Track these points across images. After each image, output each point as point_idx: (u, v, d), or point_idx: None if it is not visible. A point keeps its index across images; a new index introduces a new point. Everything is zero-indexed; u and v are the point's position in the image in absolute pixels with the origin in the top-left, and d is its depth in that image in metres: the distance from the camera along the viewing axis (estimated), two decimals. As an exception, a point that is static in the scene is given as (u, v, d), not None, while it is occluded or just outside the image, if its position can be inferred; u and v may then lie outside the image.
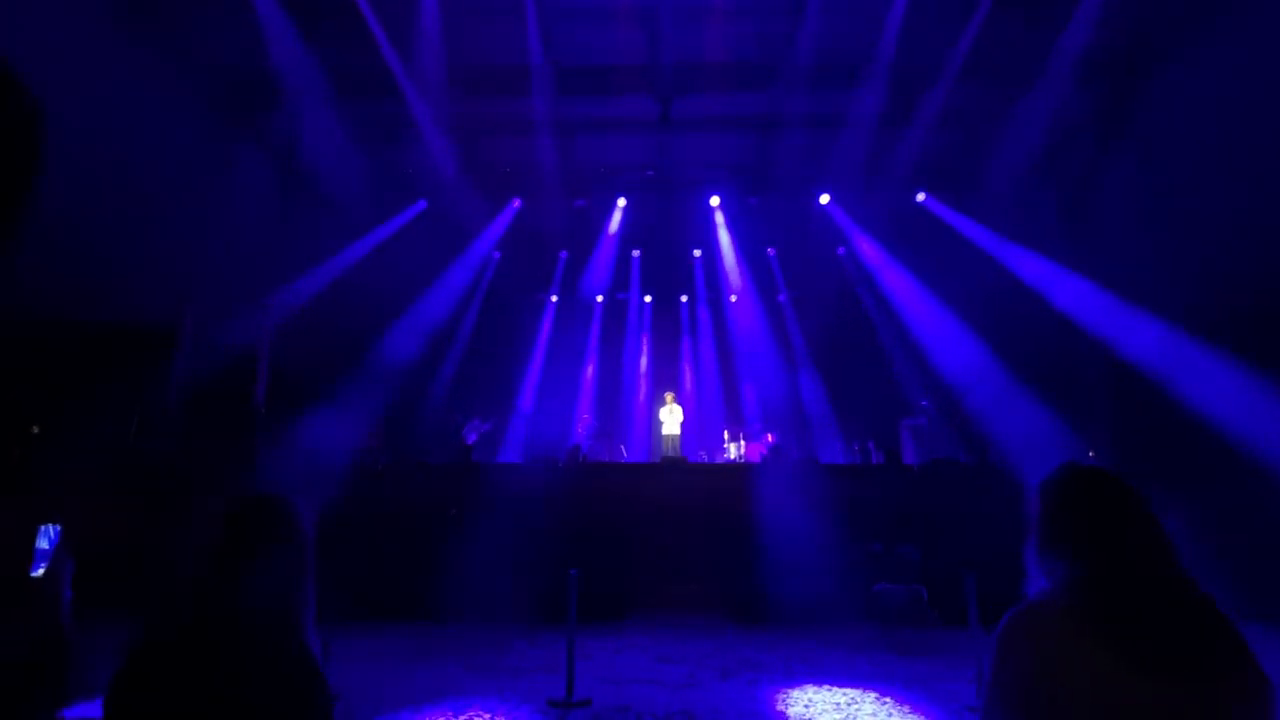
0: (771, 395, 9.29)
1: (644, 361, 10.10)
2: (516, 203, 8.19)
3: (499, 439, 8.59)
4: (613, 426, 9.20)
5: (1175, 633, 0.76)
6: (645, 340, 10.27)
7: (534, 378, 9.49)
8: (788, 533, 4.26)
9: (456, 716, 2.23)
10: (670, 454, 7.36)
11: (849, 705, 2.31)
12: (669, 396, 7.96)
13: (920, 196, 7.72)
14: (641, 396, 9.79)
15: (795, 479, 4.95)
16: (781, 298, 9.90)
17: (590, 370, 9.89)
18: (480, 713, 2.27)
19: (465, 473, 5.42)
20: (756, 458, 7.66)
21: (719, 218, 8.65)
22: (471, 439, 7.81)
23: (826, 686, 2.57)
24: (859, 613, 3.93)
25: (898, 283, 8.19)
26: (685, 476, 5.38)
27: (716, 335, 10.12)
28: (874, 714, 2.22)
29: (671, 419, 7.81)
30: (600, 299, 10.15)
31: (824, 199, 8.04)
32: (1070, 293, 5.91)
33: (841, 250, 9.09)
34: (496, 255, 9.25)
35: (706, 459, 8.54)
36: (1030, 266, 6.46)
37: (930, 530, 4.36)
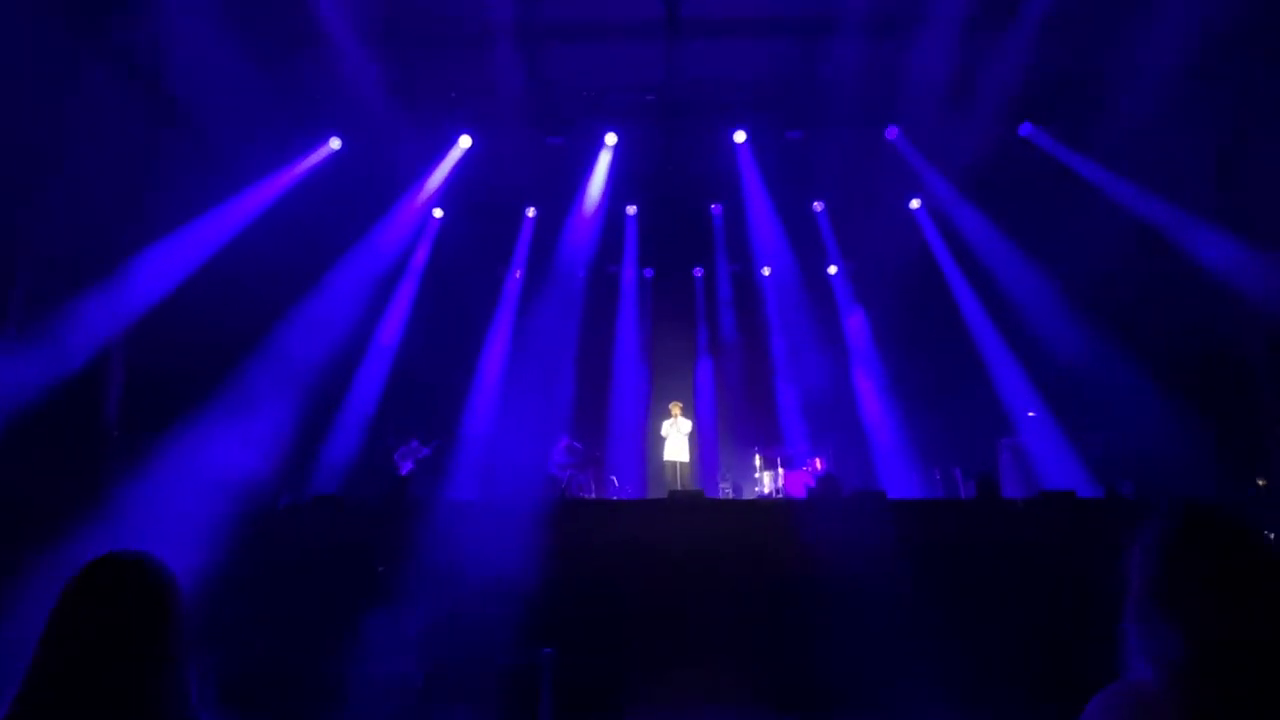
0: (820, 405, 9.36)
1: (643, 359, 10.16)
2: (467, 141, 8.18)
3: (445, 468, 8.63)
4: (601, 449, 9.24)
5: None
6: (644, 330, 10.30)
7: (493, 383, 9.53)
8: (845, 592, 4.29)
9: None
10: (680, 486, 7.39)
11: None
12: (676, 408, 8.00)
13: (1024, 130, 7.76)
14: (640, 408, 9.84)
15: (854, 519, 5.02)
16: (834, 271, 9.98)
17: (569, 372, 9.94)
18: None
19: (399, 514, 5.40)
20: (800, 491, 7.71)
21: (747, 160, 8.70)
22: (407, 468, 8.04)
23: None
24: (943, 696, 3.94)
25: (993, 249, 8.24)
26: (701, 517, 5.36)
27: (743, 323, 10.15)
28: None
29: (680, 438, 7.86)
30: (583, 274, 10.21)
31: (890, 134, 8.07)
32: (1225, 260, 5.93)
33: (916, 205, 9.15)
34: (439, 214, 9.28)
35: (730, 493, 8.65)
36: (1174, 226, 6.50)
37: (1041, 589, 4.38)
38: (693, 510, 5.43)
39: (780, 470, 8.19)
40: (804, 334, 9.63)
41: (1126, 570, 0.97)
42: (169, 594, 1.04)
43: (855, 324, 9.73)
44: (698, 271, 10.55)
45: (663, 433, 7.95)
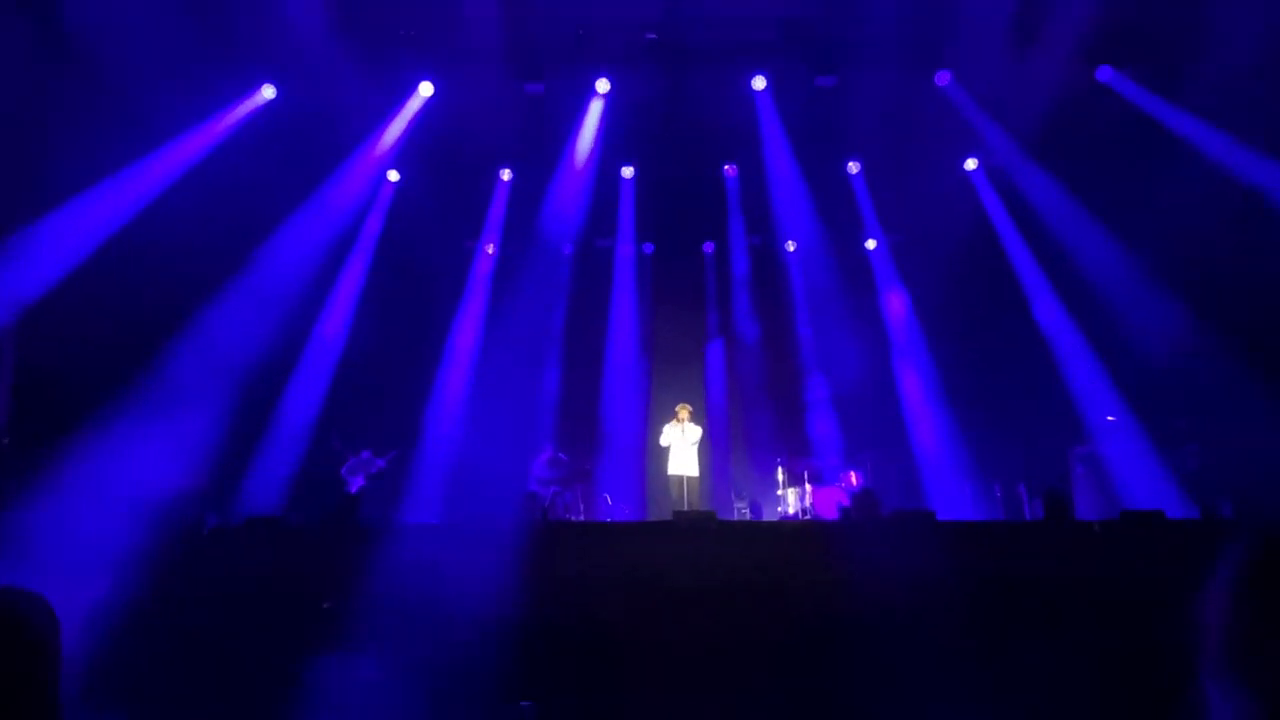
0: (856, 408, 9.41)
1: (642, 354, 10.17)
2: (428, 89, 8.14)
3: (404, 484, 8.68)
4: (591, 461, 9.27)
5: None
6: (644, 318, 10.32)
7: (461, 382, 9.55)
8: (886, 635, 4.28)
9: None
10: (686, 506, 7.38)
11: None
12: (683, 411, 7.99)
13: (1102, 75, 7.70)
14: (638, 412, 9.89)
15: (896, 545, 5.01)
16: (872, 246, 10.01)
17: (554, 369, 9.99)
18: None
19: (349, 540, 5.42)
20: (831, 511, 7.75)
21: (768, 112, 8.65)
22: (357, 484, 8.17)
23: None
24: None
25: (1064, 219, 8.21)
26: (712, 544, 5.34)
27: (763, 309, 10.19)
28: None
29: (687, 448, 7.85)
30: (569, 250, 10.28)
31: (940, 80, 8.02)
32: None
33: (972, 166, 9.15)
34: (395, 178, 9.28)
35: (747, 514, 8.76)
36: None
37: (1123, 631, 4.36)
38: (702, 535, 5.42)
39: (808, 486, 8.21)
40: (836, 322, 9.64)
41: (1199, 614, 0.94)
42: (44, 641, 1.00)
43: (898, 310, 9.74)
44: (708, 247, 10.57)
45: (664, 441, 7.94)
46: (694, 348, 10.50)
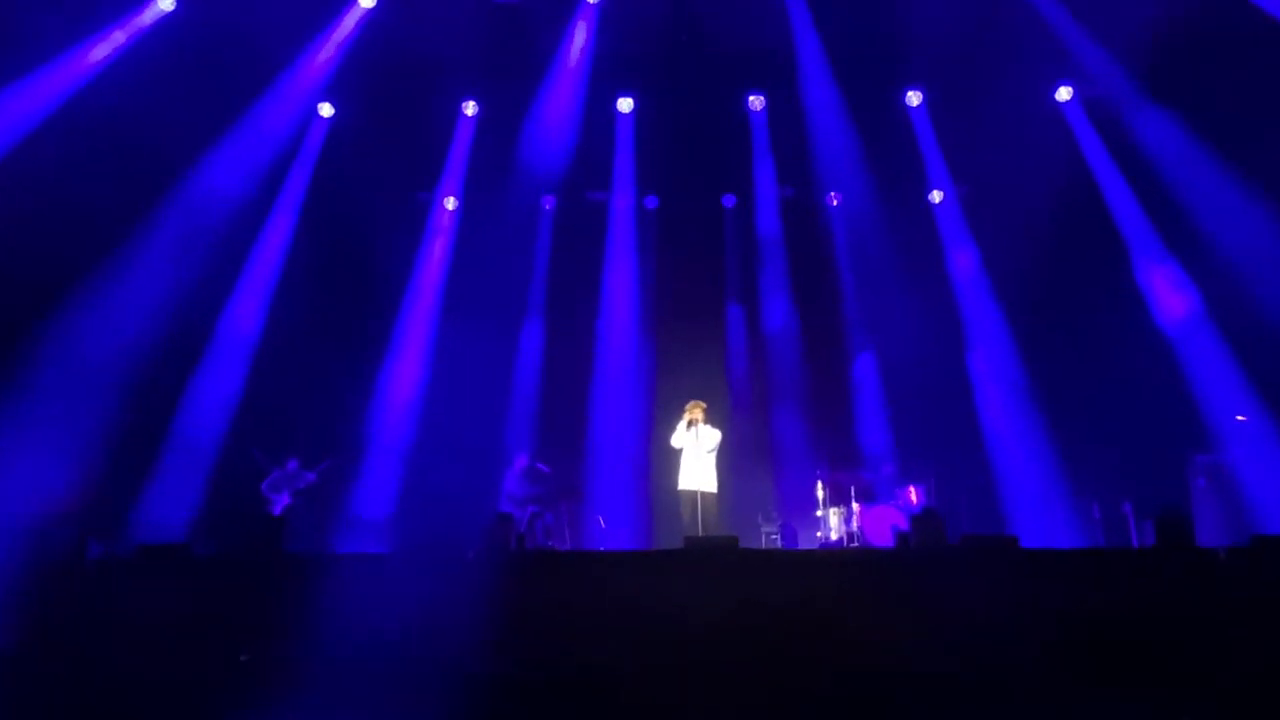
0: (917, 405, 9.45)
1: (645, 337, 10.18)
2: (370, -1, 8.13)
3: (341, 503, 8.76)
4: (578, 474, 9.34)
5: None
6: (647, 291, 10.32)
7: (413, 374, 9.60)
8: (956, 693, 4.30)
9: None
10: (701, 530, 7.35)
11: None
12: (696, 410, 7.90)
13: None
14: (639, 411, 9.92)
15: (968, 579, 5.04)
16: (938, 199, 10.02)
17: (532, 357, 10.01)
18: None
19: (272, 573, 5.45)
20: (885, 537, 7.78)
21: (804, 28, 8.59)
22: (282, 503, 8.24)
23: None
24: None
25: (1185, 166, 8.17)
26: (734, 579, 5.33)
27: (798, 280, 10.19)
28: None
29: (702, 456, 7.78)
30: (551, 204, 10.30)
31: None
32: None
33: (1065, 97, 9.10)
34: (329, 112, 9.26)
35: (778, 540, 8.79)
36: None
37: (1259, 681, 4.35)
38: (721, 567, 5.39)
39: (855, 506, 8.21)
40: (892, 298, 9.63)
41: None
42: None
43: (970, 281, 9.73)
44: (728, 201, 10.57)
45: (675, 443, 7.89)
46: (711, 330, 10.51)
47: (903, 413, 9.55)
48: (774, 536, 8.81)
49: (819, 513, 8.54)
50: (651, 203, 10.54)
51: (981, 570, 5.19)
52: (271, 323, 9.11)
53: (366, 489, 8.98)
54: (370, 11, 8.23)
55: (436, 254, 10.00)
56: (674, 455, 7.97)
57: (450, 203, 10.02)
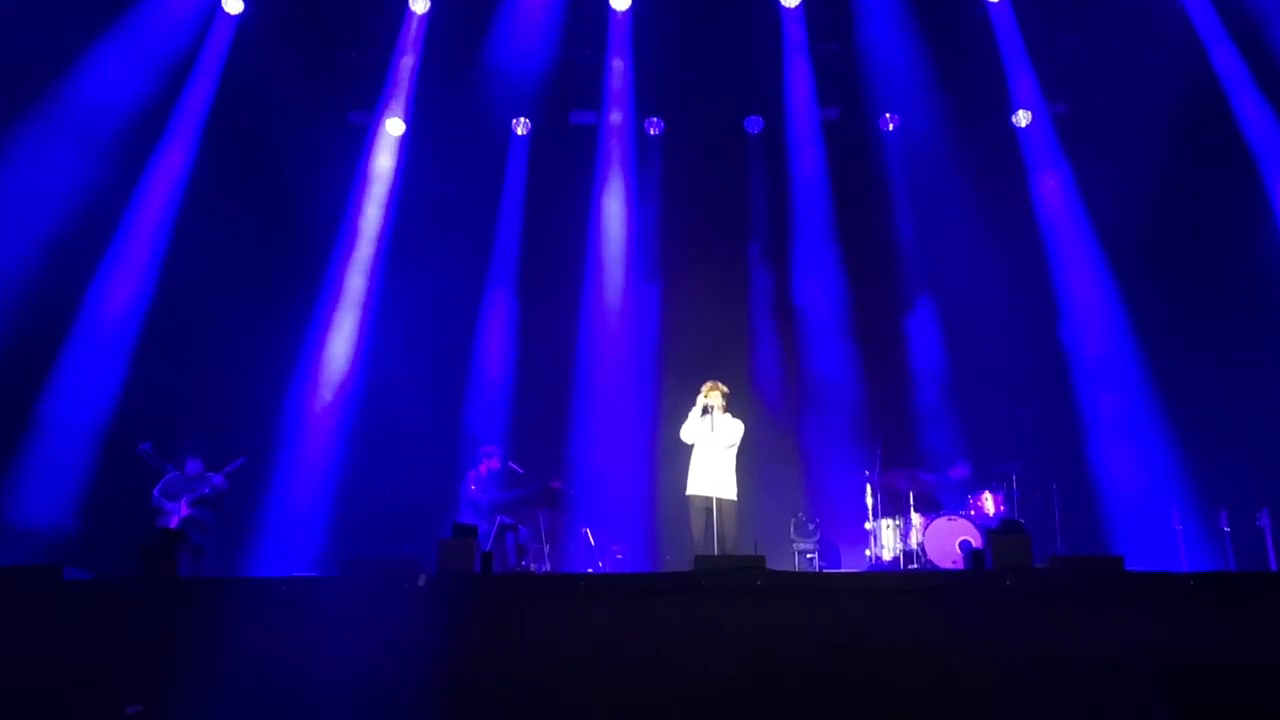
0: (996, 389, 9.43)
1: (646, 296, 10.18)
2: None
3: (256, 514, 8.74)
4: (561, 475, 9.28)
5: None
6: (649, 238, 10.34)
7: (347, 348, 9.61)
8: None
9: None
10: (718, 548, 7.29)
11: None
12: (713, 393, 7.82)
13: None
14: (639, 393, 9.91)
15: (1062, 611, 5.04)
16: (1024, 122, 10.00)
17: (502, 321, 10.04)
18: None
19: (165, 604, 5.43)
20: (953, 557, 7.75)
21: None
22: (179, 513, 8.10)
23: None
24: None
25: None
26: (760, 611, 5.33)
27: (844, 224, 10.16)
28: None
29: (719, 452, 7.72)
30: (523, 126, 10.31)
31: None
32: None
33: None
34: (238, 7, 9.18)
35: (816, 560, 8.82)
36: None
37: None
38: (742, 596, 5.38)
39: (915, 517, 8.18)
40: (963, 250, 9.58)
41: None
42: None
43: (1065, 229, 9.66)
44: (753, 124, 10.53)
45: (685, 436, 7.81)
46: (730, 292, 10.48)
47: (976, 398, 9.50)
48: (811, 556, 8.77)
49: (868, 525, 8.49)
50: (656, 126, 10.46)
51: (1077, 598, 5.16)
52: (163, 283, 9.04)
53: (288, 496, 8.96)
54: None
55: (377, 193, 9.93)
56: (684, 452, 7.89)
57: (395, 127, 9.91)
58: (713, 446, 7.55)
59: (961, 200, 9.69)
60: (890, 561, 8.20)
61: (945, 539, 7.91)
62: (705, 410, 7.56)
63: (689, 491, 7.67)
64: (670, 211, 10.46)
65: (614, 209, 10.23)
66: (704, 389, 7.66)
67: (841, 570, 8.45)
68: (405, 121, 9.91)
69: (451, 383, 9.72)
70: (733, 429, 7.67)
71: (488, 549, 7.60)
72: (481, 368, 9.92)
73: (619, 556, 8.82)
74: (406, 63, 9.63)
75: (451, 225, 9.86)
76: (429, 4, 9.44)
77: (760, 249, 10.48)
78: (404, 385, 9.32)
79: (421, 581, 5.39)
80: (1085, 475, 9.16)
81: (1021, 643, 4.90)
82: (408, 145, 10.02)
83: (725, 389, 7.70)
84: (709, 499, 7.40)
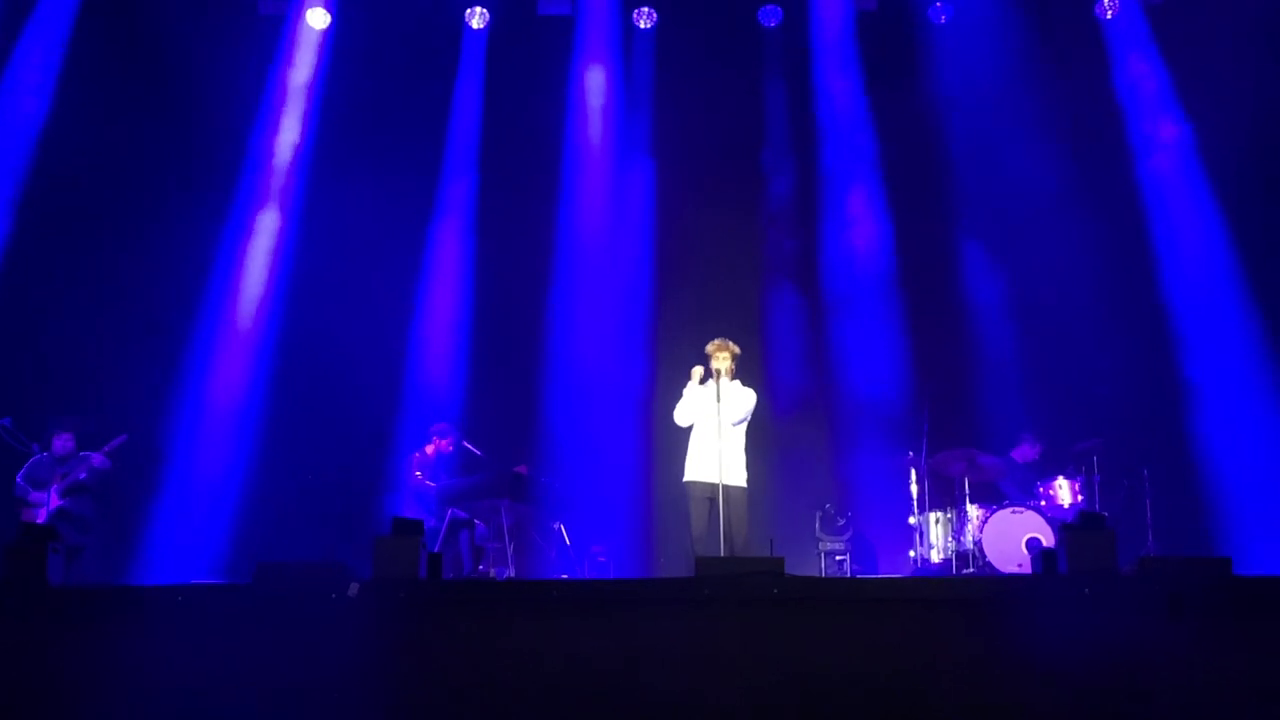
0: (1073, 352, 9.46)
1: (633, 234, 10.22)
2: None
3: (146, 505, 8.77)
4: (530, 459, 9.31)
5: None
6: (636, 162, 10.35)
7: (259, 293, 9.63)
8: None
9: None
10: (724, 548, 7.32)
11: None
12: (721, 354, 7.81)
13: None
14: (631, 356, 9.96)
15: (1154, 625, 5.08)
16: (1113, 9, 9.94)
17: (455, 266, 10.12)
18: None
19: (32, 619, 5.43)
20: (1018, 559, 7.81)
21: None
22: (46, 508, 8.09)
23: None
24: None
25: None
26: (778, 626, 5.35)
27: (882, 143, 10.18)
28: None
29: (725, 428, 7.71)
30: (479, 18, 10.31)
31: None
32: None
33: None
34: None
35: (848, 563, 8.88)
36: None
37: None
38: (755, 608, 5.40)
39: (973, 510, 8.24)
40: (1031, 171, 9.57)
41: None
42: None
43: (1166, 152, 9.65)
44: (769, 14, 10.50)
45: (682, 419, 7.81)
46: (741, 229, 10.52)
47: (1047, 361, 9.52)
48: (841, 558, 8.85)
49: (913, 520, 8.57)
50: (645, 19, 10.40)
51: (1173, 610, 5.13)
52: (26, 205, 9.03)
53: (186, 483, 8.97)
54: None
55: (293, 103, 9.91)
56: (679, 431, 7.94)
57: (317, 19, 9.87)
58: (718, 421, 7.54)
59: (1030, 114, 9.68)
60: (940, 564, 8.28)
61: (1009, 536, 7.99)
62: (708, 377, 7.54)
63: (687, 478, 7.69)
64: (664, 128, 10.43)
65: (594, 124, 10.24)
66: (710, 348, 7.64)
67: (879, 576, 8.46)
68: (329, 11, 9.86)
69: (392, 340, 9.74)
70: (743, 399, 7.67)
71: (436, 549, 7.68)
72: (429, 321, 9.94)
73: (600, 559, 8.87)
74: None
75: (389, 142, 9.87)
76: None
77: (776, 177, 10.48)
78: (331, 344, 9.33)
79: (353, 591, 5.36)
80: (1184, 457, 9.19)
81: (1103, 667, 4.89)
82: (333, 42, 9.99)
83: (737, 349, 7.68)
84: (713, 486, 7.41)
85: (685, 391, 7.62)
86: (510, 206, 10.22)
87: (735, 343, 7.67)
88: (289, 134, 9.87)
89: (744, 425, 7.70)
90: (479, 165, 10.25)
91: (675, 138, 10.43)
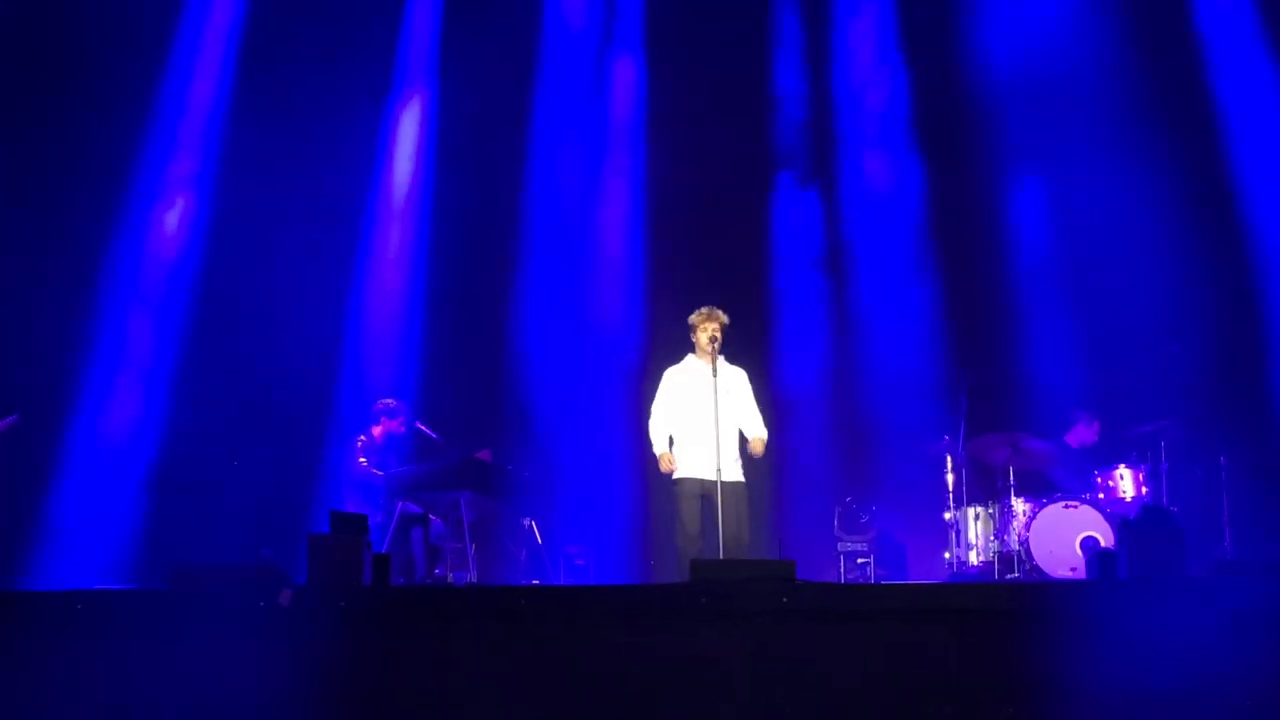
0: (1133, 323, 9.48)
1: (620, 183, 10.30)
2: None
3: (40, 496, 8.82)
4: (496, 446, 9.32)
5: None
6: (620, 98, 10.49)
7: (172, 250, 9.64)
8: None
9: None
10: (723, 550, 7.34)
11: None
12: (707, 326, 7.82)
13: None
14: (616, 327, 10.05)
15: (1231, 640, 5.09)
16: None
17: (411, 219, 10.15)
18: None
19: None
20: (1071, 562, 7.87)
21: None
22: None
23: None
24: None
25: None
26: (788, 640, 5.36)
27: (913, 55, 10.25)
28: None
29: (721, 416, 7.71)
30: None
31: None
32: None
33: None
34: None
35: (870, 567, 8.96)
36: None
37: None
38: (762, 620, 5.41)
39: (1019, 505, 8.28)
40: (1089, 100, 9.68)
41: None
42: None
43: (1247, 66, 9.67)
44: None
45: (661, 401, 7.80)
46: (747, 171, 10.54)
47: (1106, 330, 9.55)
48: (863, 560, 8.89)
49: (948, 515, 8.65)
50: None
51: (1255, 625, 5.13)
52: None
53: (87, 473, 8.97)
54: None
55: (212, 35, 9.89)
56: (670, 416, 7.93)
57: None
58: (709, 406, 7.52)
59: (1088, 29, 9.70)
60: (980, 568, 8.33)
61: (1060, 534, 8.03)
62: (697, 349, 7.54)
63: (678, 474, 7.71)
64: (660, 61, 10.51)
65: (573, 55, 10.32)
66: (695, 319, 7.60)
67: (908, 582, 8.50)
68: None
69: (333, 301, 9.77)
70: (737, 383, 7.66)
71: (384, 549, 7.70)
72: (374, 281, 9.96)
73: (578, 562, 8.96)
74: None
75: (329, 71, 9.83)
76: None
77: (788, 112, 10.54)
78: (259, 306, 9.37)
79: (285, 598, 5.36)
80: (1270, 443, 9.24)
81: (1170, 692, 4.84)
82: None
83: (725, 318, 7.63)
84: (711, 485, 7.39)
85: (668, 375, 7.60)
86: (473, 145, 10.23)
87: (727, 310, 7.61)
88: (210, 65, 9.86)
89: (745, 410, 7.70)
90: (439, 99, 10.29)
91: (671, 74, 10.51)
